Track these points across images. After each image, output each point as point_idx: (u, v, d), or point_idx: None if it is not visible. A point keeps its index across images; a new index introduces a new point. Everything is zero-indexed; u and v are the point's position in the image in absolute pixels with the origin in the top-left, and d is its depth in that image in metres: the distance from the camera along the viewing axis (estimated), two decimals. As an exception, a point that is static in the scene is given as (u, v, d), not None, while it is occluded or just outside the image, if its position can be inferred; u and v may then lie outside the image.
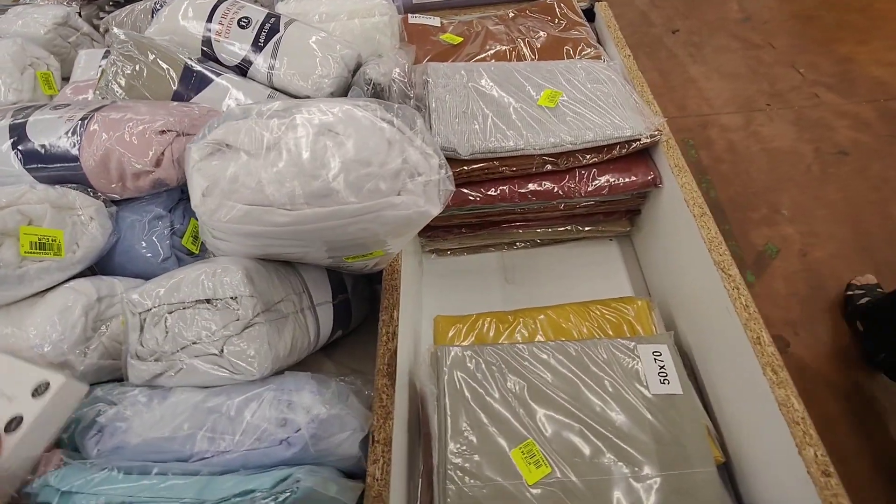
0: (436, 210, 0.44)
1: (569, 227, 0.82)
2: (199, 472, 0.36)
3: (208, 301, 0.42)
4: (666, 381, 0.58)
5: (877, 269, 1.58)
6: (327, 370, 0.61)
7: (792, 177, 1.86)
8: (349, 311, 0.63)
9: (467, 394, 0.57)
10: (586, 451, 0.54)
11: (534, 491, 0.51)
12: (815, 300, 1.54)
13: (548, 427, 0.55)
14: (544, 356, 0.60)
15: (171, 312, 0.42)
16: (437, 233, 0.81)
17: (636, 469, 0.52)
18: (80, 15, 0.98)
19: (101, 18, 0.98)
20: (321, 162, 0.38)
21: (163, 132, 0.52)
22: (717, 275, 0.57)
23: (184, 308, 0.42)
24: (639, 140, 0.70)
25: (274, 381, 0.42)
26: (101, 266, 0.58)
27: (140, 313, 0.43)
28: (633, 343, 0.61)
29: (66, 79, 0.87)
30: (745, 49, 2.40)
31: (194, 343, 0.41)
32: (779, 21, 2.52)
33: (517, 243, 0.85)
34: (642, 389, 0.58)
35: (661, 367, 0.59)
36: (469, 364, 0.60)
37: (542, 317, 0.69)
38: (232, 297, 0.41)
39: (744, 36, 2.46)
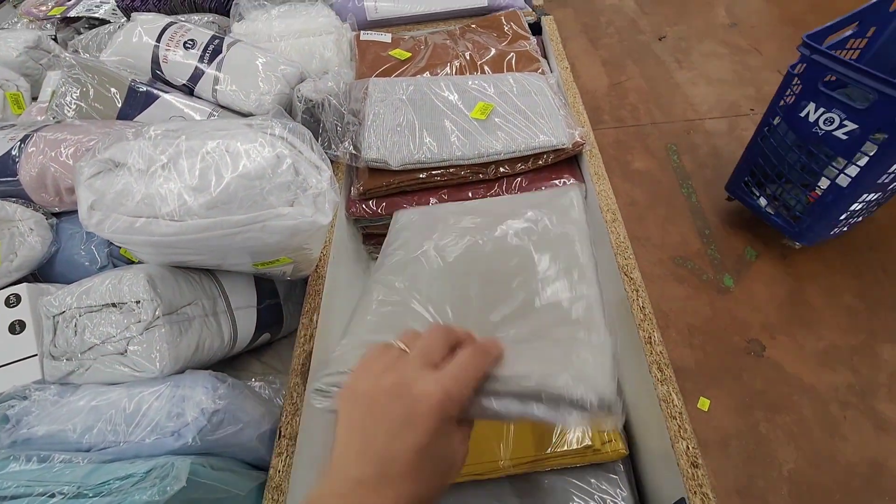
0: (325, 219, 0.48)
1: (509, 234, 0.85)
2: (92, 460, 0.40)
3: (114, 305, 0.46)
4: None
5: (857, 271, 1.57)
6: (254, 370, 0.65)
7: (774, 181, 1.86)
8: (279, 315, 0.66)
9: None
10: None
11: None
12: (794, 304, 1.54)
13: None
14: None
15: (80, 315, 0.46)
16: (379, 240, 0.84)
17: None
18: (55, 38, 1.05)
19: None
20: (207, 177, 0.42)
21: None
22: (620, 277, 0.59)
23: (91, 311, 0.46)
24: (563, 150, 0.73)
25: (173, 378, 0.46)
26: (44, 274, 0.63)
27: (54, 316, 0.47)
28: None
29: (35, 98, 0.93)
30: (731, 54, 2.41)
31: (101, 343, 0.45)
32: (766, 26, 2.52)
33: (460, 249, 0.88)
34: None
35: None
36: None
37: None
38: (135, 301, 0.45)
39: (731, 41, 2.47)
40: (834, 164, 1.28)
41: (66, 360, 0.46)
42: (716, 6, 2.70)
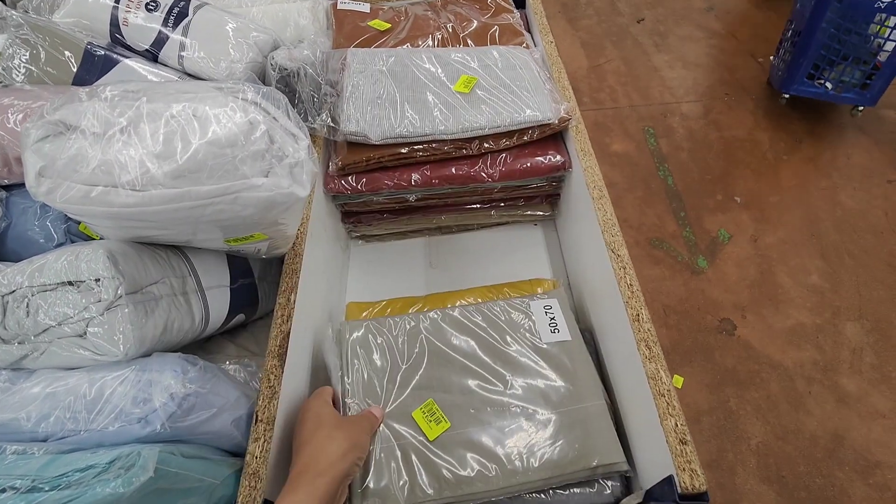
0: (303, 192, 0.45)
1: (492, 213, 0.83)
2: (49, 451, 0.37)
3: (71, 283, 0.42)
4: (556, 331, 0.62)
5: (823, 252, 1.62)
6: (228, 353, 0.62)
7: (748, 164, 1.89)
8: (254, 295, 0.63)
9: (368, 365, 0.60)
10: (485, 403, 0.57)
11: (433, 447, 0.54)
12: (764, 284, 1.58)
13: (447, 386, 0.58)
14: (443, 322, 0.64)
15: (33, 295, 0.42)
16: (359, 218, 0.81)
17: (531, 411, 0.56)
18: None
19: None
20: (173, 143, 0.39)
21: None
22: (607, 255, 0.58)
23: (46, 290, 0.42)
24: (549, 125, 0.71)
25: (138, 361, 0.42)
26: (-7, 252, 0.58)
27: (3, 296, 0.43)
28: (526, 300, 0.66)
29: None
30: (708, 38, 2.43)
31: (57, 325, 0.42)
32: (741, 11, 2.55)
33: (442, 229, 0.86)
34: (535, 341, 0.62)
35: (552, 319, 0.64)
36: (370, 335, 0.63)
37: (453, 301, 0.70)
38: (95, 279, 0.42)
39: (707, 25, 2.49)
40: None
41: (18, 343, 0.42)
42: (693, -11, 2.71)
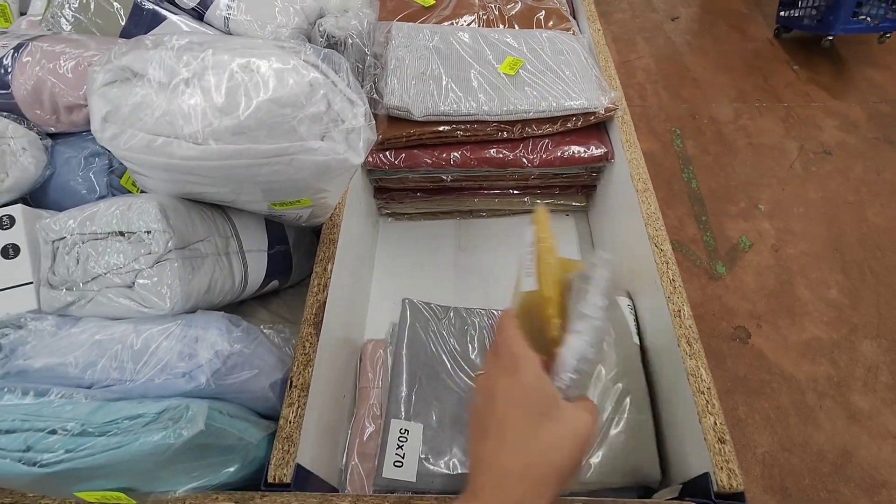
0: (358, 159, 0.44)
1: (525, 199, 0.82)
2: (95, 398, 0.37)
3: (121, 234, 0.42)
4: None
5: (845, 268, 1.60)
6: (262, 318, 0.62)
7: (775, 173, 1.86)
8: (288, 263, 0.63)
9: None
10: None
11: None
12: (782, 295, 1.56)
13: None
14: None
15: (83, 243, 0.42)
16: (392, 195, 0.81)
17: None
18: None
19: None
20: (235, 98, 0.38)
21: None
22: (650, 249, 0.57)
23: (96, 239, 0.42)
24: (594, 113, 0.70)
25: (184, 317, 0.42)
26: (36, 200, 0.58)
27: (53, 241, 0.43)
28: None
29: (24, 13, 0.84)
30: (744, 42, 2.38)
31: (105, 274, 0.41)
32: (780, 15, 2.48)
33: (473, 212, 0.85)
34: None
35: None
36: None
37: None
38: (146, 231, 0.41)
39: (745, 29, 2.44)
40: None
41: (66, 289, 0.42)
42: (732, -9, 2.65)
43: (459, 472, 0.53)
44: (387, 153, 0.72)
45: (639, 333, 0.63)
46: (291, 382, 0.49)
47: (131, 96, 0.36)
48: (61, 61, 0.52)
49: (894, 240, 1.66)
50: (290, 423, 0.47)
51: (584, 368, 0.33)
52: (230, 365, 0.41)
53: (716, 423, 0.45)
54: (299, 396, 0.49)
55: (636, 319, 0.63)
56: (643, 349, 0.61)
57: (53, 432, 0.34)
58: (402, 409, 0.56)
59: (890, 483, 1.23)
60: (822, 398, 1.39)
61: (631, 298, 0.66)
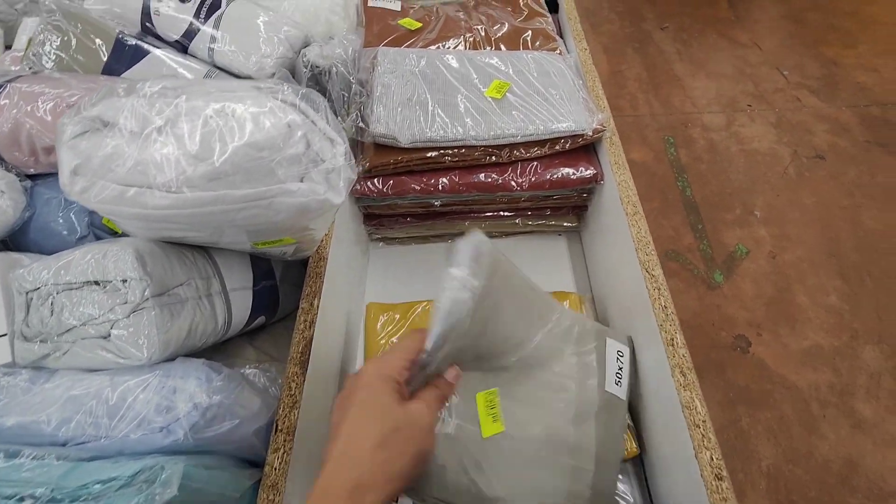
0: (339, 199, 0.43)
1: (517, 221, 0.81)
2: (69, 458, 0.36)
3: (97, 283, 0.41)
4: (619, 384, 0.56)
5: (843, 273, 1.59)
6: (247, 356, 0.60)
7: (768, 179, 1.86)
8: (275, 298, 0.62)
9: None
10: (537, 424, 0.51)
11: (485, 443, 0.48)
12: (781, 303, 1.55)
13: (509, 388, 0.51)
14: None
15: (58, 293, 0.41)
16: (382, 221, 0.80)
17: (576, 455, 0.50)
18: (30, -18, 0.95)
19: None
20: (210, 144, 0.37)
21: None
22: (641, 274, 0.56)
23: (71, 289, 0.41)
24: (582, 136, 0.70)
25: (162, 366, 0.41)
26: (16, 242, 0.57)
27: (27, 292, 0.42)
28: (604, 330, 0.58)
29: (9, 47, 0.84)
30: (732, 48, 2.39)
31: (81, 325, 0.40)
32: (768, 21, 2.51)
33: (464, 235, 0.84)
34: (593, 382, 0.55)
35: (620, 369, 0.57)
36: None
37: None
38: (122, 280, 0.40)
39: (732, 35, 2.45)
40: None
41: (41, 342, 0.41)
42: (719, -2, 2.67)
43: None
44: (375, 180, 0.71)
45: (636, 374, 0.59)
46: (277, 426, 0.48)
47: (102, 147, 0.35)
48: (39, 103, 0.51)
49: (891, 243, 1.65)
50: (275, 470, 0.46)
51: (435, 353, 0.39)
52: (209, 417, 0.40)
53: (712, 459, 0.44)
54: (285, 441, 0.47)
55: (633, 368, 0.59)
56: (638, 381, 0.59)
57: (22, 500, 0.32)
58: None
59: (898, 493, 1.22)
60: (826, 407, 1.37)
61: (632, 345, 0.60)
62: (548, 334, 0.53)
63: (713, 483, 0.43)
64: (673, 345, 0.51)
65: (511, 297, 0.50)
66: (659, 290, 0.55)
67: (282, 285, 0.64)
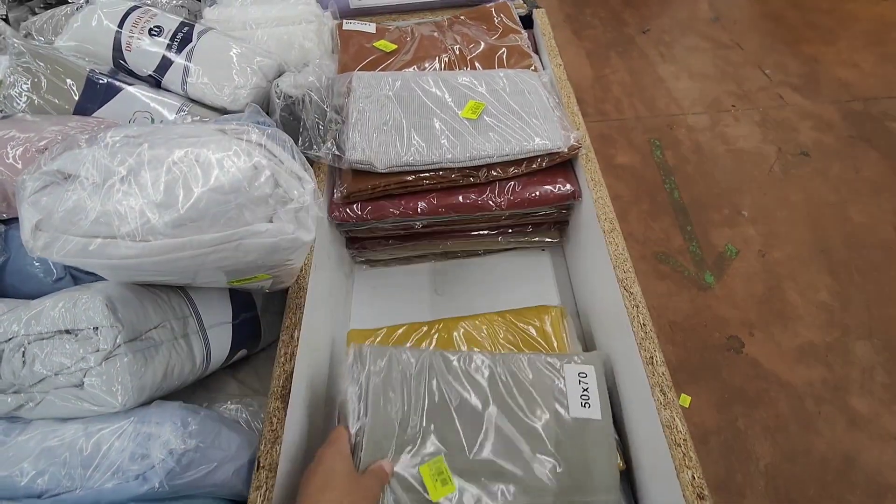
0: (309, 236, 0.43)
1: (499, 239, 0.82)
2: (44, 511, 0.36)
3: (68, 332, 0.41)
4: (587, 405, 0.55)
5: (832, 269, 1.60)
6: (230, 391, 0.60)
7: (754, 178, 1.87)
8: (256, 329, 0.62)
9: (386, 405, 0.53)
10: (493, 474, 0.52)
11: None
12: (772, 301, 1.56)
13: (458, 442, 0.53)
14: (463, 367, 0.58)
15: (29, 343, 0.41)
16: (364, 244, 0.80)
17: (538, 494, 0.51)
18: (5, 18, 0.95)
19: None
20: (174, 192, 0.37)
21: (47, 150, 0.50)
22: (619, 293, 0.57)
23: (42, 339, 0.41)
24: (558, 153, 0.70)
25: (137, 412, 0.41)
26: (-8, 287, 0.57)
27: (-2, 344, 0.42)
28: (558, 362, 0.58)
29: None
30: (714, 49, 2.41)
31: (54, 375, 0.40)
32: (748, 21, 2.53)
33: (448, 254, 0.84)
34: (561, 411, 0.55)
35: (585, 391, 0.56)
36: (391, 369, 0.56)
37: (457, 328, 0.69)
38: (93, 328, 0.40)
39: (713, 36, 2.47)
40: None
41: (13, 393, 0.41)
42: (698, 0, 2.70)
43: None
44: (353, 206, 0.71)
45: (617, 394, 0.59)
46: (259, 463, 0.48)
47: (63, 201, 0.35)
48: (8, 149, 0.52)
49: (878, 238, 1.67)
50: (258, 508, 0.46)
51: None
52: (185, 463, 0.39)
53: (694, 478, 0.44)
54: (267, 478, 0.47)
55: (611, 382, 0.59)
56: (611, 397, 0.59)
57: (-5, 560, 0.32)
58: None
59: (896, 487, 1.22)
60: (821, 403, 1.38)
61: (605, 360, 0.60)
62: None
63: (696, 502, 0.43)
64: (653, 363, 0.51)
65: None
66: (637, 307, 0.55)
67: (263, 315, 0.64)
